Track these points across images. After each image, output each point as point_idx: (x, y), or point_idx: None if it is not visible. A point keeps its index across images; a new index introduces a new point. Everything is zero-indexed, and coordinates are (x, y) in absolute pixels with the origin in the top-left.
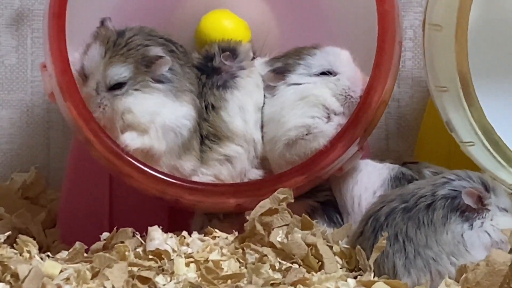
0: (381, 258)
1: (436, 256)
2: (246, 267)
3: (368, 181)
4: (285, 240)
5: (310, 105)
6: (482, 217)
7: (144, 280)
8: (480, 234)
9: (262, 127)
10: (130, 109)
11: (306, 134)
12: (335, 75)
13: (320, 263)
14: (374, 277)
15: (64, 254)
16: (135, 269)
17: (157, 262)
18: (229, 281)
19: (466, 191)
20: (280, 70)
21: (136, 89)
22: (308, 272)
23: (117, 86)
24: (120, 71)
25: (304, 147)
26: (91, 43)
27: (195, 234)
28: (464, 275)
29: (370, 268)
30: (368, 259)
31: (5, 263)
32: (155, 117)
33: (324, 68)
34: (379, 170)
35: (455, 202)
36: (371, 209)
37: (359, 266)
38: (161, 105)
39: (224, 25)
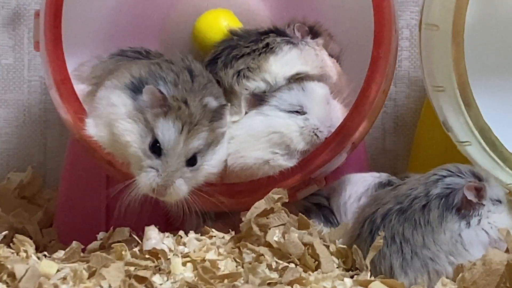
0: (378, 259)
1: (434, 256)
2: (242, 267)
3: (352, 189)
4: (282, 240)
5: (274, 142)
6: (478, 214)
7: (141, 279)
8: (478, 232)
9: None
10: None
11: (263, 164)
12: (303, 114)
13: (316, 262)
14: (370, 276)
15: (60, 253)
16: (131, 268)
17: (153, 262)
18: (225, 280)
19: (468, 187)
20: (257, 97)
21: (213, 147)
22: (305, 271)
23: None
24: (199, 141)
25: (257, 173)
26: (157, 116)
27: (191, 234)
28: (460, 275)
29: (367, 267)
30: (365, 259)
31: (2, 262)
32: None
33: (293, 107)
34: (363, 178)
35: (450, 200)
36: (366, 211)
37: (356, 266)
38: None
39: (221, 24)
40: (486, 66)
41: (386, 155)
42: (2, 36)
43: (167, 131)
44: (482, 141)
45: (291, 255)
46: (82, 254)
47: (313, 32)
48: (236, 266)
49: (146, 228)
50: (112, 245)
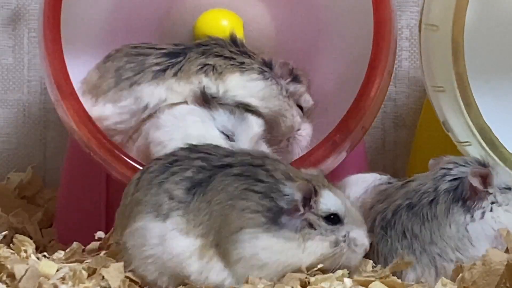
0: (390, 254)
1: (441, 252)
2: None
3: (351, 190)
4: None
5: None
6: (483, 206)
7: None
8: (483, 226)
9: None
10: None
11: None
12: (232, 141)
13: None
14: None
15: (60, 253)
16: None
17: None
18: None
19: (472, 173)
20: (204, 96)
21: None
22: None
23: None
24: None
25: None
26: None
27: None
28: (460, 275)
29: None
30: (376, 252)
31: (2, 262)
32: None
33: (226, 130)
34: (363, 178)
35: (457, 193)
36: (377, 207)
37: None
38: None
39: (221, 24)
40: (486, 66)
41: (386, 155)
42: (2, 36)
43: None
44: (482, 141)
45: None
46: (81, 254)
47: (294, 76)
48: None
49: None
50: (112, 245)
